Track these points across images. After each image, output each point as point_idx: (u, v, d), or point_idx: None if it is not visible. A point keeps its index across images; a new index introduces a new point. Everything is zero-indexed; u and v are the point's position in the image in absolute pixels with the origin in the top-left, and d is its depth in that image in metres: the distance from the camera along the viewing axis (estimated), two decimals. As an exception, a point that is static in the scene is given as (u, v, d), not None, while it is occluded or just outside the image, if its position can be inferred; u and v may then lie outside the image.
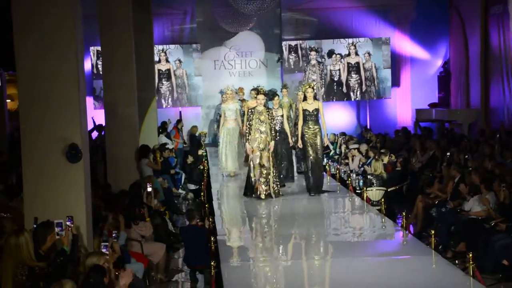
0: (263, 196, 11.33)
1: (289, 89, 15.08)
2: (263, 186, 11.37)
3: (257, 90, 11.93)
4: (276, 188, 11.53)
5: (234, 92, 14.49)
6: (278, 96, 13.02)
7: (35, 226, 6.92)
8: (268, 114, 11.58)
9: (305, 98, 11.82)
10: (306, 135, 11.68)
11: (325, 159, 14.34)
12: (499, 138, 14.68)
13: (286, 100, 13.97)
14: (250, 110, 11.72)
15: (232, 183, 13.47)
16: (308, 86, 11.83)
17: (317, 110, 11.71)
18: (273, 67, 20.75)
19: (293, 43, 20.26)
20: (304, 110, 11.71)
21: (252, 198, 11.46)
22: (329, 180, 13.36)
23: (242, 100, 15.08)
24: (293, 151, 13.73)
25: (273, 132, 11.59)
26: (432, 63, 20.95)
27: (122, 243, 8.38)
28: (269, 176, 11.40)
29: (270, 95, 12.53)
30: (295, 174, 13.62)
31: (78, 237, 6.88)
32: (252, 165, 11.50)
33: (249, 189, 11.61)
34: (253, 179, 11.44)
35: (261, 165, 11.39)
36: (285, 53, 20.26)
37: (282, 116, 12.78)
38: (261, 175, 11.38)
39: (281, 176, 12.46)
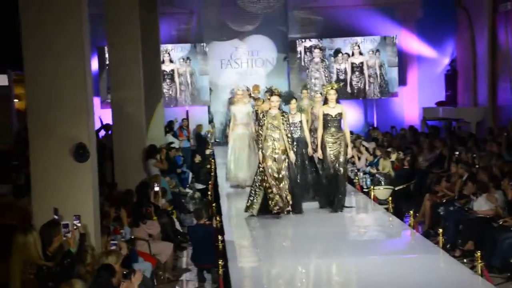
0: (284, 212, 9.95)
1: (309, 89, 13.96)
2: (280, 200, 9.91)
3: (271, 91, 10.29)
4: (298, 204, 10.25)
5: (245, 93, 13.10)
6: (296, 99, 11.14)
7: (55, 217, 6.93)
8: (283, 119, 10.06)
9: (325, 101, 10.46)
10: (328, 144, 10.28)
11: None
12: (507, 136, 14.63)
13: (306, 103, 12.45)
14: (262, 114, 10.31)
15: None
16: (330, 88, 10.40)
17: (340, 114, 10.30)
18: (280, 66, 20.74)
19: (308, 44, 20.21)
20: (325, 115, 10.28)
21: (260, 215, 10.09)
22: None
23: (257, 99, 13.60)
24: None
25: (290, 139, 10.09)
26: (439, 62, 20.90)
27: (127, 238, 8.40)
28: (284, 191, 9.91)
29: (287, 98, 10.76)
30: None
31: (85, 236, 6.89)
32: (262, 177, 10.03)
33: (255, 205, 10.14)
34: (274, 191, 9.89)
35: (275, 178, 9.94)
36: (302, 53, 20.22)
37: (300, 121, 10.90)
38: (276, 188, 9.89)
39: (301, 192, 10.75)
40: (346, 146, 10.40)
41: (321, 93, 11.73)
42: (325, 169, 10.49)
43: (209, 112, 20.05)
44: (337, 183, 10.27)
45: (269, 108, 10.20)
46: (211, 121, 19.92)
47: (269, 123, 10.02)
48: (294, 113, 10.96)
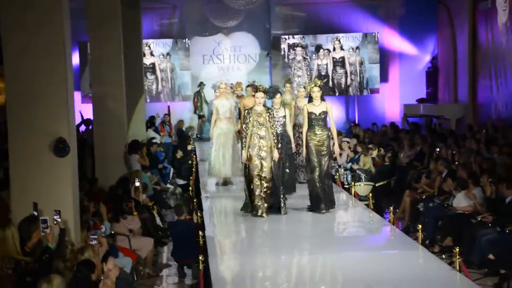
0: (264, 215, 9.64)
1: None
2: (263, 202, 9.65)
3: (255, 87, 10.08)
4: (283, 205, 9.89)
5: (228, 87, 12.84)
6: (280, 93, 10.96)
7: (35, 213, 6.89)
8: (268, 116, 9.77)
9: (310, 99, 10.09)
10: (312, 143, 9.92)
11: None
12: (486, 133, 14.75)
13: (289, 97, 12.18)
14: (246, 111, 9.93)
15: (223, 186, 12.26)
16: (313, 85, 10.04)
17: (325, 113, 9.96)
18: (262, 62, 20.76)
19: (291, 41, 20.23)
20: (310, 113, 9.93)
21: (251, 215, 9.77)
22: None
23: (240, 97, 13.30)
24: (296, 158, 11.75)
25: (274, 137, 9.83)
26: (420, 59, 21.02)
27: (107, 233, 8.38)
28: (266, 192, 9.66)
29: (271, 92, 10.47)
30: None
31: (65, 231, 6.87)
32: (250, 177, 9.72)
33: (248, 205, 9.89)
34: (256, 193, 9.63)
35: (261, 177, 9.65)
36: (286, 50, 20.24)
37: (284, 117, 10.71)
38: (261, 188, 9.64)
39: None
40: (329, 144, 10.06)
41: (304, 88, 11.53)
42: (310, 169, 10.08)
43: (199, 107, 19.73)
44: (321, 183, 9.94)
45: (254, 105, 9.90)
46: (203, 116, 19.69)
47: (255, 120, 9.70)
48: (278, 107, 10.74)
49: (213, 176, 12.33)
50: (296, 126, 11.27)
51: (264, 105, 9.92)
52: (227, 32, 20.58)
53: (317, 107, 9.97)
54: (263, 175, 9.64)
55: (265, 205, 9.68)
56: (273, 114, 9.93)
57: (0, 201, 8.66)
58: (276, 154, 9.76)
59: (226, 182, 12.20)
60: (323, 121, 9.98)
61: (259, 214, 9.68)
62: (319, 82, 10.18)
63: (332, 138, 10.31)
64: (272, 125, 9.79)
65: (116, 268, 6.48)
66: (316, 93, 9.95)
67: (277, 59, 20.46)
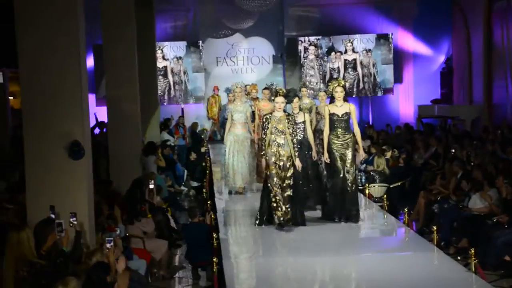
0: (283, 223, 9.05)
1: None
2: (282, 211, 9.00)
3: (274, 91, 9.35)
4: (299, 215, 9.30)
5: (244, 90, 11.99)
6: (298, 97, 10.26)
7: (52, 215, 6.91)
8: (288, 122, 9.07)
9: (332, 100, 9.50)
10: (334, 146, 9.31)
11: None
12: (501, 134, 14.66)
13: (306, 102, 11.28)
14: (264, 117, 9.22)
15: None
16: (337, 84, 9.37)
17: (348, 114, 9.31)
18: (275, 64, 20.75)
19: (307, 43, 20.23)
20: (332, 115, 9.31)
21: (268, 226, 9.25)
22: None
23: (255, 99, 12.66)
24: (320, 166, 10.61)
25: (295, 145, 9.10)
26: (435, 59, 20.94)
27: (122, 235, 8.41)
28: (286, 202, 8.99)
29: (291, 96, 9.73)
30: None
31: (82, 234, 6.89)
32: (268, 186, 9.10)
33: (265, 215, 9.29)
34: (273, 203, 9.01)
35: (280, 187, 8.98)
36: (302, 52, 20.25)
37: (304, 122, 10.06)
38: (281, 198, 8.98)
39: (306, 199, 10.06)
40: (355, 148, 9.45)
41: (325, 91, 10.85)
42: (332, 175, 9.49)
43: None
44: (345, 190, 9.34)
45: (273, 111, 9.23)
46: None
47: (273, 127, 9.06)
48: (297, 112, 10.05)
49: (227, 186, 11.64)
50: (317, 133, 10.54)
51: (284, 111, 9.26)
52: (240, 34, 20.60)
53: (340, 108, 9.34)
54: (281, 184, 9.01)
55: (288, 216, 9.03)
56: (293, 120, 9.23)
57: (17, 203, 8.70)
58: (298, 163, 9.08)
59: (240, 191, 11.45)
60: (346, 123, 9.36)
61: (281, 224, 9.07)
62: (343, 82, 9.55)
63: (357, 143, 9.65)
64: (293, 132, 9.13)
65: (123, 259, 6.47)
66: (339, 93, 9.32)
67: (292, 61, 20.45)
